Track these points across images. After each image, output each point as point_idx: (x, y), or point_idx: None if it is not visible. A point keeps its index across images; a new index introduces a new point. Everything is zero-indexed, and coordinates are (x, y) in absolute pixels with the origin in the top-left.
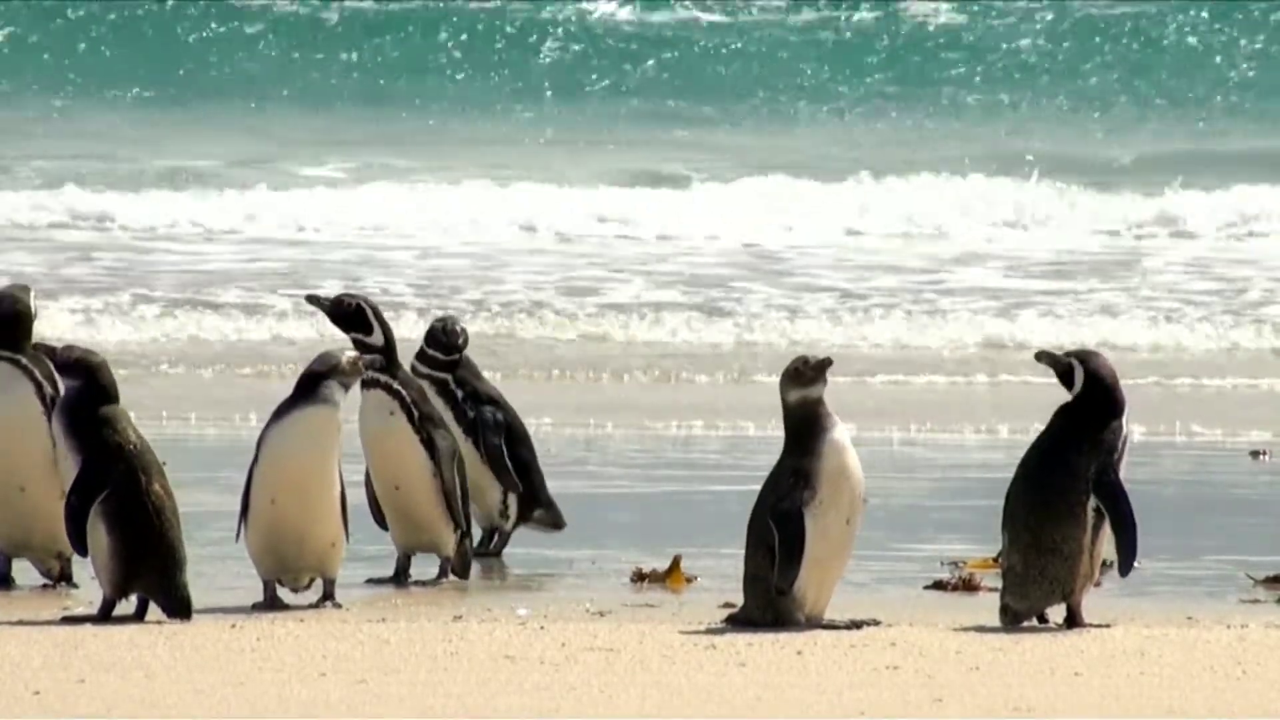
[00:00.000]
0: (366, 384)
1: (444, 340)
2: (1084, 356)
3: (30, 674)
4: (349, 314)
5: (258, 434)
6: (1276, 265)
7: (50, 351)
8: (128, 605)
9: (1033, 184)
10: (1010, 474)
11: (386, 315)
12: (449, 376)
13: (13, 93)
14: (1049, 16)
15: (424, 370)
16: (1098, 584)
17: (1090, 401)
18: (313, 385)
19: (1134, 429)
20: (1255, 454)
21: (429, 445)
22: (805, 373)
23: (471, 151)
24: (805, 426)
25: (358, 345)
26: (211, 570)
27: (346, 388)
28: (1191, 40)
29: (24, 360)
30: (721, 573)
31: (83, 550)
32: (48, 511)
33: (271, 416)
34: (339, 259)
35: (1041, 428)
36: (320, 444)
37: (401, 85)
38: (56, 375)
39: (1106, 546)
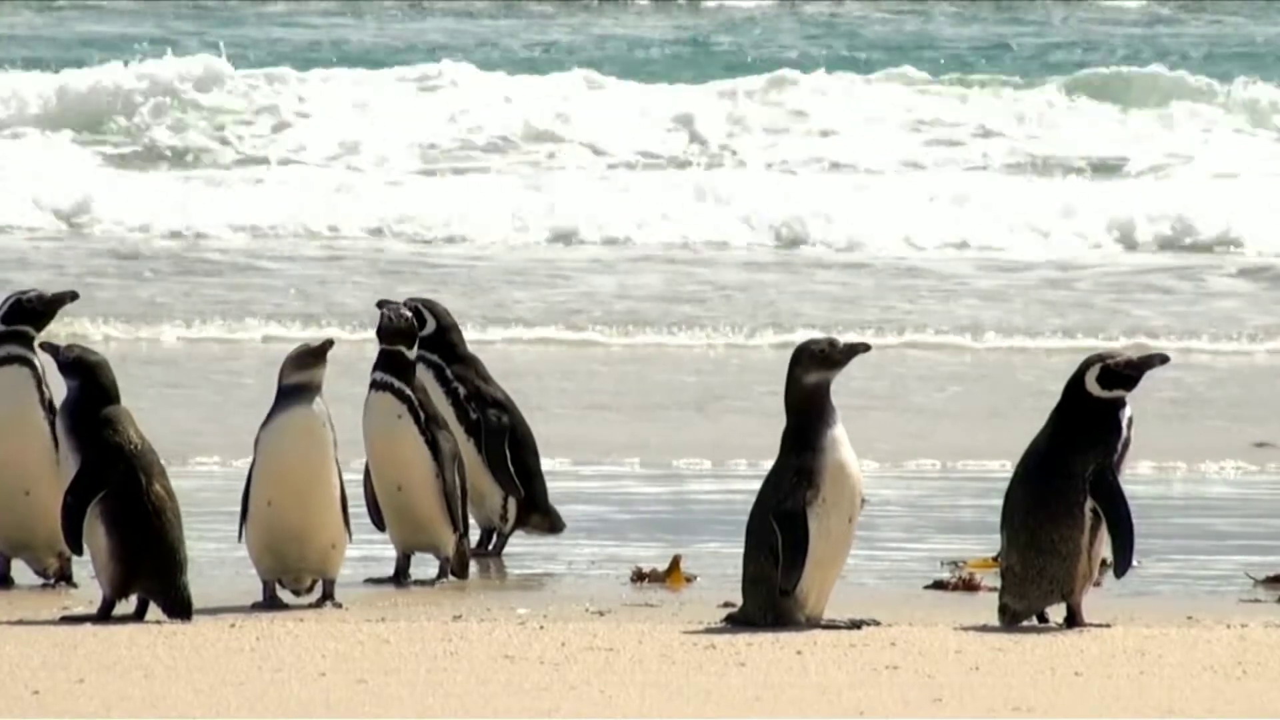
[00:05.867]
0: (376, 385)
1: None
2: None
3: (30, 674)
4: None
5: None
6: None
7: (53, 351)
8: (128, 605)
9: None
10: (1009, 474)
11: None
12: (444, 364)
13: None
14: None
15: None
16: (1097, 584)
17: (1084, 402)
18: (294, 386)
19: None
20: (1260, 445)
21: (433, 447)
22: (833, 355)
23: None
24: (813, 414)
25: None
26: (212, 570)
27: (320, 378)
28: None
29: (37, 362)
30: (721, 573)
31: (78, 550)
32: (52, 514)
33: (264, 421)
34: None
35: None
36: (312, 444)
37: None
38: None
39: (1105, 546)
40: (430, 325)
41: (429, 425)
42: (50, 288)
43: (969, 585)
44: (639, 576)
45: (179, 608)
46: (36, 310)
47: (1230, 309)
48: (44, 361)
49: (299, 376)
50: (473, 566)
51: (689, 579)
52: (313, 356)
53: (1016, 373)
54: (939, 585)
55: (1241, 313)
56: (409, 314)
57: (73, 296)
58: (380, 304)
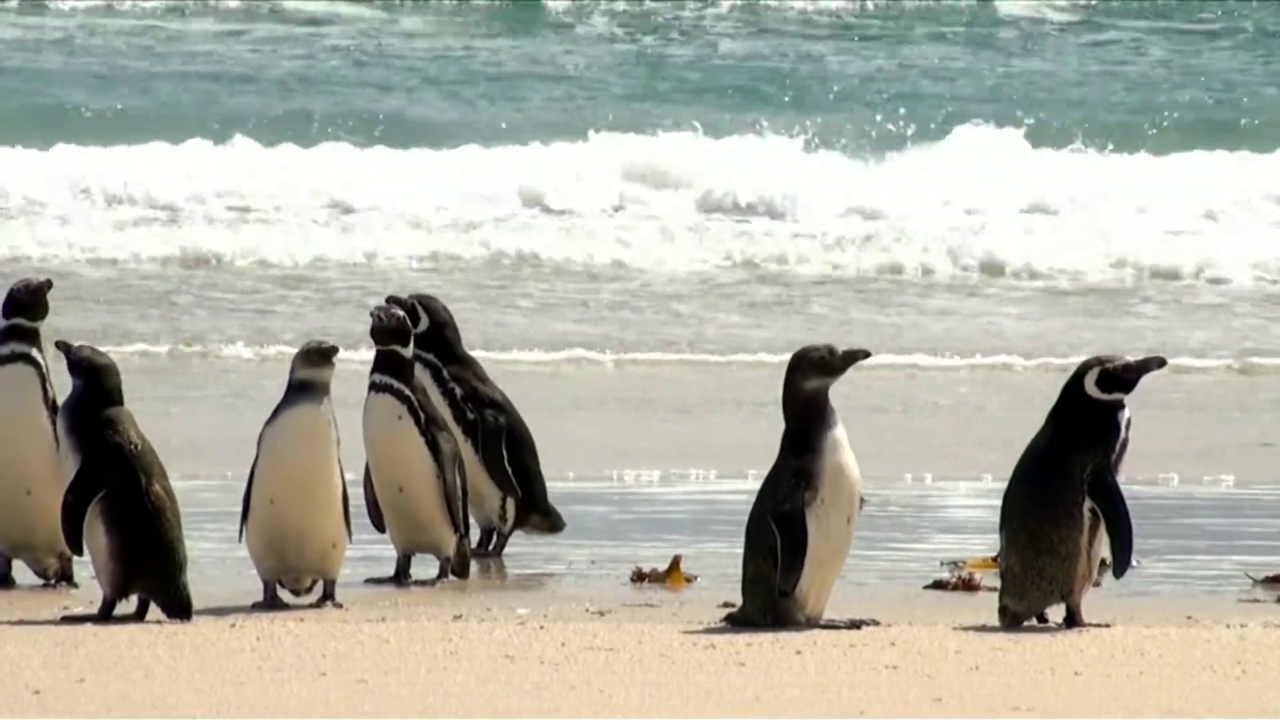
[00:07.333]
0: (375, 387)
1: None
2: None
3: (30, 674)
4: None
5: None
6: None
7: (65, 349)
8: (128, 605)
9: None
10: (1009, 474)
11: None
12: (440, 364)
13: None
14: None
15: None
16: (1097, 584)
17: (1082, 404)
18: (302, 384)
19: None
20: (1266, 445)
21: (433, 448)
22: (832, 362)
23: None
24: (812, 418)
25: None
26: (212, 570)
27: (329, 378)
28: None
29: (41, 360)
30: (721, 573)
31: (78, 550)
32: (53, 514)
33: (268, 418)
34: None
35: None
36: (315, 442)
37: None
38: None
39: (1105, 546)
40: (424, 323)
41: (429, 426)
42: None
43: (969, 585)
44: (639, 576)
45: (179, 608)
46: (26, 301)
47: None
48: (49, 360)
49: (307, 373)
50: (473, 566)
51: (689, 579)
52: (320, 356)
53: None
54: (939, 585)
55: None
56: (400, 313)
57: (48, 285)
58: (376, 306)
